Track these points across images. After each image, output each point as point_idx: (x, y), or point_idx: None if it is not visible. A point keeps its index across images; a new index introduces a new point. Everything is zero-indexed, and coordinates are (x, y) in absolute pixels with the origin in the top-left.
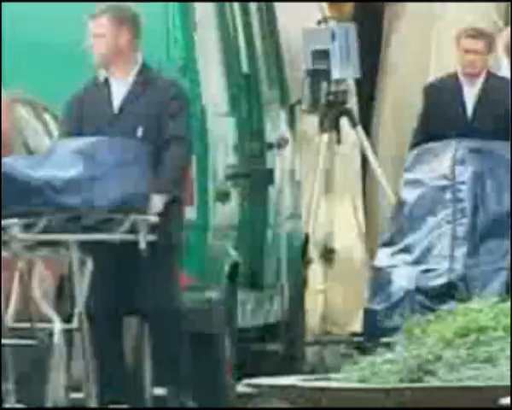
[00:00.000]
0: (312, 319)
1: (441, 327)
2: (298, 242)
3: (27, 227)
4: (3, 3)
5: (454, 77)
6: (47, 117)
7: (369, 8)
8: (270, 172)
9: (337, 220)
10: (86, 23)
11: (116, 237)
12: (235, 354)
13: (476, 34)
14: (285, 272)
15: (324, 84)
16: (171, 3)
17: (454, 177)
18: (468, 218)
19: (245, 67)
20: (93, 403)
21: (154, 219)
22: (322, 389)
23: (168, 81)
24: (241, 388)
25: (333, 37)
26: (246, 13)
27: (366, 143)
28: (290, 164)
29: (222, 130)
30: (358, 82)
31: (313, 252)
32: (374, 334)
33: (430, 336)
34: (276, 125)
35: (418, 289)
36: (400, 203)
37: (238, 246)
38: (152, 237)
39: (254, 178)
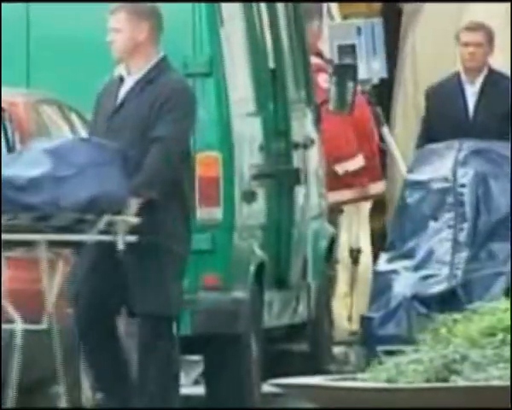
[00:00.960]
0: (339, 320)
1: (467, 327)
2: (324, 241)
3: None
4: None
5: (456, 76)
6: (73, 117)
7: (393, 8)
8: (297, 171)
9: (362, 220)
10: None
11: (91, 237)
12: (261, 354)
13: (475, 27)
14: (311, 271)
15: (351, 84)
16: (197, 1)
17: (455, 179)
18: (469, 222)
19: (271, 66)
20: (63, 403)
21: (133, 219)
22: (348, 389)
23: (170, 80)
24: (266, 387)
25: (359, 32)
26: (272, 11)
27: (392, 143)
28: (316, 164)
29: (248, 129)
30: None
31: (341, 252)
32: (371, 342)
33: (456, 335)
34: (302, 125)
35: (415, 297)
36: (402, 206)
37: (264, 246)
38: (131, 238)
39: (280, 177)
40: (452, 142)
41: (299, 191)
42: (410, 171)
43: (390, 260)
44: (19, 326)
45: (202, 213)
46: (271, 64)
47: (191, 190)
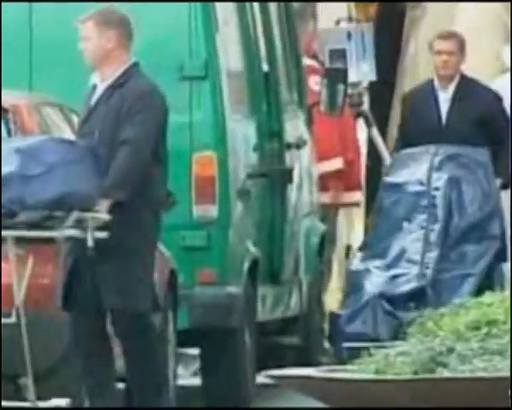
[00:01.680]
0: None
1: (453, 320)
2: (315, 238)
3: None
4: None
5: (429, 83)
6: (74, 118)
7: (396, 10)
8: (289, 171)
9: (355, 217)
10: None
11: (61, 233)
12: (255, 347)
13: (447, 35)
14: (303, 267)
15: (341, 87)
16: (193, 4)
17: (430, 183)
18: (440, 223)
19: (265, 68)
20: (31, 395)
21: (102, 216)
22: (338, 380)
23: (137, 84)
24: (260, 379)
25: (349, 37)
26: (266, 15)
27: (381, 143)
28: (308, 164)
29: (242, 130)
30: (381, 82)
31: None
32: (337, 339)
33: (443, 329)
34: (294, 126)
35: (383, 295)
36: (378, 208)
37: (258, 243)
38: (101, 235)
39: (274, 177)
40: (428, 147)
41: (292, 190)
42: (387, 174)
43: (363, 260)
44: None
45: (198, 211)
46: (265, 67)
47: (161, 189)
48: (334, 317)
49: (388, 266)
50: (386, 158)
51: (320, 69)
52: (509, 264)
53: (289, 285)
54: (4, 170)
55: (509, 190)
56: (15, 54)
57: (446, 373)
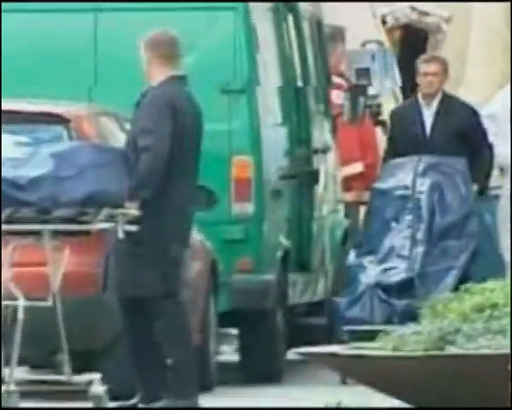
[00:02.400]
0: None
1: (460, 304)
2: (339, 232)
3: None
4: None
5: (414, 100)
6: (128, 127)
7: (419, 34)
8: (316, 173)
9: None
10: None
11: (93, 227)
12: (286, 327)
13: (431, 59)
14: (328, 258)
15: (361, 100)
16: (237, 27)
17: (415, 187)
18: (425, 223)
19: (298, 84)
20: (67, 371)
21: (132, 212)
22: (360, 356)
23: (154, 94)
24: (291, 355)
25: (373, 57)
26: (300, 36)
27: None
28: (332, 167)
29: (276, 137)
30: (406, 98)
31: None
32: (336, 322)
33: (451, 311)
34: (321, 134)
35: (378, 285)
36: (370, 210)
37: (289, 236)
38: (130, 228)
39: (302, 178)
40: (412, 157)
41: (318, 190)
42: (378, 181)
43: (358, 256)
44: (21, 303)
45: (237, 208)
46: (299, 83)
47: (188, 187)
48: (334, 303)
49: (380, 261)
50: None
51: (345, 85)
52: (509, 253)
53: (316, 273)
54: (38, 172)
55: (506, 196)
56: (79, 66)
57: (454, 350)
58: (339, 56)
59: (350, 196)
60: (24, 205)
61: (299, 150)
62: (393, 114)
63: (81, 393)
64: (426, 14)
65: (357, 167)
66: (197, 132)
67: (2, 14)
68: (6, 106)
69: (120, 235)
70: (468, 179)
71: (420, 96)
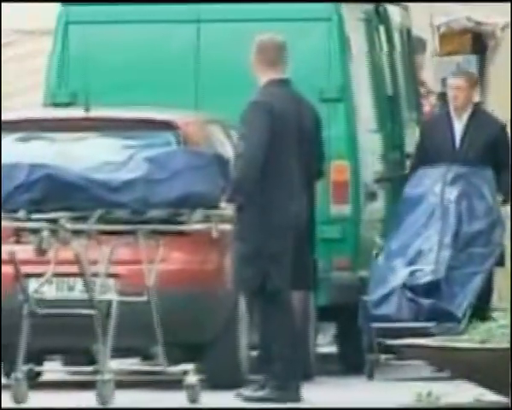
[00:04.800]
0: None
1: None
2: None
3: (77, 219)
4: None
5: (446, 112)
6: (233, 134)
7: (478, 42)
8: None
9: None
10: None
11: (187, 227)
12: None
13: (458, 73)
14: None
15: None
16: (331, 39)
17: (443, 196)
18: (452, 229)
19: (389, 92)
20: (162, 361)
21: (226, 212)
22: (449, 349)
23: (253, 99)
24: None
25: (458, 66)
26: (391, 46)
27: None
28: None
29: (371, 143)
30: None
31: None
32: (366, 320)
33: None
34: (413, 140)
35: (405, 286)
36: (399, 216)
37: (383, 236)
38: (225, 227)
39: (396, 181)
40: (441, 166)
41: None
42: (408, 187)
43: (387, 257)
44: (115, 298)
45: (334, 210)
46: (389, 91)
47: (287, 185)
48: (362, 303)
49: (409, 263)
50: None
51: (425, 95)
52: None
53: None
54: (132, 175)
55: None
56: (184, 74)
57: None
58: (420, 66)
59: None
60: (115, 206)
61: (393, 155)
62: (425, 124)
63: (176, 383)
64: (482, 23)
65: None
66: (302, 133)
67: (111, 25)
68: (117, 113)
69: (215, 234)
70: (494, 190)
71: (451, 108)
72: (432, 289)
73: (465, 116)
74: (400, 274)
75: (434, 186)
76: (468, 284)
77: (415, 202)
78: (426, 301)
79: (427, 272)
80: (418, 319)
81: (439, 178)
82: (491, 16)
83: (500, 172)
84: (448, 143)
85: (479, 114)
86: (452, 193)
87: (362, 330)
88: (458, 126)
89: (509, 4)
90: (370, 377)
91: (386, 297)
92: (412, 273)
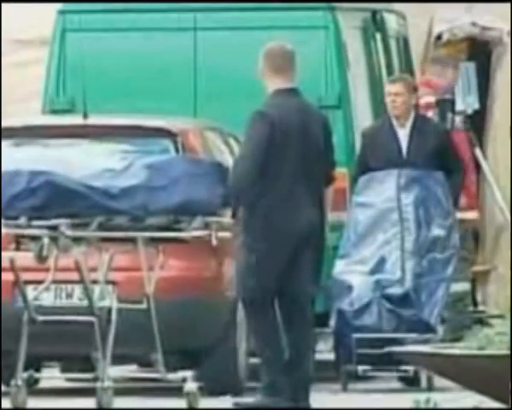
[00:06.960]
0: None
1: None
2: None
3: (77, 226)
4: None
5: (387, 120)
6: (231, 141)
7: (483, 48)
8: None
9: None
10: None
11: (187, 234)
12: None
13: (395, 79)
14: None
15: (449, 115)
16: (328, 47)
17: (399, 200)
18: (413, 235)
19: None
20: (161, 368)
21: (225, 220)
22: (448, 355)
23: (257, 108)
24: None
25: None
26: (388, 53)
27: (484, 162)
28: None
29: None
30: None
31: None
32: (345, 330)
33: None
34: None
35: (383, 295)
36: (353, 222)
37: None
38: (224, 235)
39: None
40: (390, 171)
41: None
42: (357, 194)
43: (347, 266)
44: (114, 304)
45: (333, 216)
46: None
47: (289, 191)
48: (341, 312)
49: (372, 272)
50: (488, 173)
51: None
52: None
53: None
54: (131, 182)
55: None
56: (182, 82)
57: None
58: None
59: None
60: (115, 213)
61: None
62: (366, 132)
63: (175, 390)
64: (487, 28)
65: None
66: (308, 142)
67: (108, 33)
68: (115, 120)
69: (214, 242)
70: (448, 192)
71: (392, 116)
72: (404, 300)
73: (408, 124)
74: (367, 283)
75: (387, 191)
76: (434, 293)
77: (367, 207)
78: (406, 312)
79: (393, 281)
80: (399, 329)
81: (391, 182)
82: (494, 21)
83: (448, 177)
84: (394, 152)
85: (421, 120)
86: (408, 198)
87: (338, 341)
88: (403, 134)
89: (508, 5)
90: (345, 389)
91: (364, 307)
92: (380, 282)
